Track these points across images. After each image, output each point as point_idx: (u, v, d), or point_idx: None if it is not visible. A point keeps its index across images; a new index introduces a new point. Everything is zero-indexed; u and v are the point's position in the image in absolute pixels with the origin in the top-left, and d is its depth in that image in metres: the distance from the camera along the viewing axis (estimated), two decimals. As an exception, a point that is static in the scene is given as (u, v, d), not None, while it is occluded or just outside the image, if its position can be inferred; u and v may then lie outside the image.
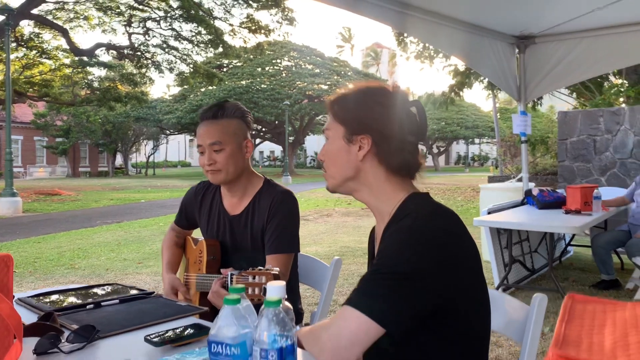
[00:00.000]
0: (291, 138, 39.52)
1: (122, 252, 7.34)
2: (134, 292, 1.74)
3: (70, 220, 11.81)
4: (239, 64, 41.19)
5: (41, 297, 1.66)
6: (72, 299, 1.66)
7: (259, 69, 40.45)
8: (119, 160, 47.57)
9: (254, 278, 1.40)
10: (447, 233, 1.13)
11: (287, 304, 0.91)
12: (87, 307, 1.54)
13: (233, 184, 1.93)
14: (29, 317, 1.43)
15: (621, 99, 14.99)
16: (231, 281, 1.51)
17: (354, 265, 5.97)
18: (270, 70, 40.90)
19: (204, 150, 1.86)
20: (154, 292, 1.71)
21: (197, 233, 2.22)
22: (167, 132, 43.88)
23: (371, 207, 1.28)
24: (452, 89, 16.89)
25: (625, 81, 14.03)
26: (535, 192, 4.91)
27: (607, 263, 4.53)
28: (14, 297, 1.35)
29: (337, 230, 9.11)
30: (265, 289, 1.34)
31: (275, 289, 0.88)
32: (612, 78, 15.46)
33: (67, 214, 13.39)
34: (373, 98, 1.23)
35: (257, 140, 42.38)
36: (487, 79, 15.38)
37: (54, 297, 1.68)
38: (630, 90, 13.71)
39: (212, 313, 1.56)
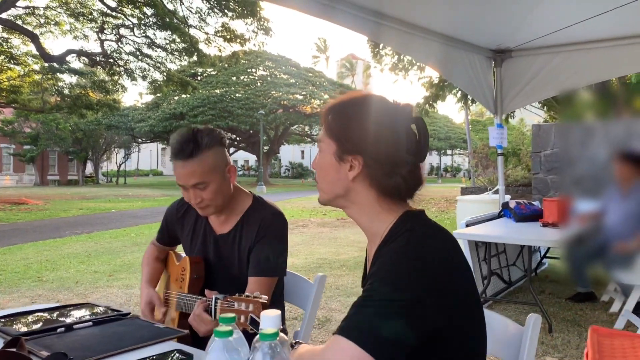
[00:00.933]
0: (266, 147, 39.37)
1: (92, 264, 7.13)
2: (108, 312, 1.64)
3: (38, 230, 11.46)
4: (213, 73, 40.96)
5: (7, 319, 1.55)
6: (41, 322, 1.55)
7: (234, 78, 40.28)
8: (89, 168, 46.64)
9: (240, 305, 1.32)
10: (442, 256, 1.07)
11: (284, 335, 0.84)
12: (58, 330, 1.44)
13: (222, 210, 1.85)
14: (-7, 342, 1.33)
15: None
16: (215, 306, 1.42)
17: (332, 277, 5.90)
18: (245, 80, 40.76)
19: (186, 188, 1.74)
20: (129, 313, 1.61)
21: (180, 248, 2.13)
22: (139, 140, 43.25)
23: (362, 226, 1.22)
24: (426, 101, 17.04)
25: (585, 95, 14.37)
26: (512, 204, 4.93)
27: (583, 276, 4.55)
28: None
29: (313, 241, 9.04)
30: (252, 318, 1.27)
31: (272, 320, 0.81)
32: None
33: (34, 223, 13.01)
34: (371, 115, 1.15)
35: (232, 150, 42.06)
36: (460, 91, 15.59)
37: (21, 319, 1.57)
38: (597, 102, 14.04)
39: (192, 336, 1.48)
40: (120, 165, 45.84)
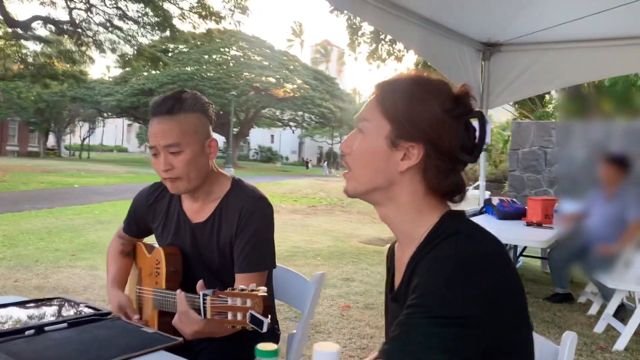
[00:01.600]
0: (235, 130, 38.80)
1: (53, 242, 6.78)
2: (84, 309, 1.43)
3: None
4: (185, 50, 40.09)
5: (-35, 316, 1.32)
6: (5, 320, 1.33)
7: (206, 57, 39.49)
8: (51, 141, 45.20)
9: (234, 300, 1.13)
10: (494, 266, 0.92)
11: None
12: (26, 332, 1.22)
13: (196, 190, 1.61)
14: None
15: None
16: (204, 303, 1.23)
17: (307, 267, 5.74)
18: (217, 59, 40.02)
19: (157, 152, 1.52)
20: (110, 313, 1.41)
21: (151, 239, 1.91)
22: (105, 115, 42.09)
23: (395, 227, 1.05)
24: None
25: (557, 94, 14.58)
26: (495, 201, 4.85)
27: (562, 277, 4.53)
28: None
29: (285, 228, 8.86)
30: (252, 315, 1.09)
31: (330, 357, 0.62)
32: (552, 91, 16.05)
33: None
34: (437, 99, 0.97)
35: (200, 130, 41.32)
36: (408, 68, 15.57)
37: (-18, 317, 1.34)
38: (569, 103, 14.26)
39: (185, 344, 1.29)
40: (84, 139, 44.56)
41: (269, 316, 1.10)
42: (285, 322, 3.62)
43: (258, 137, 62.72)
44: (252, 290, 1.13)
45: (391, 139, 0.98)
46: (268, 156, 60.18)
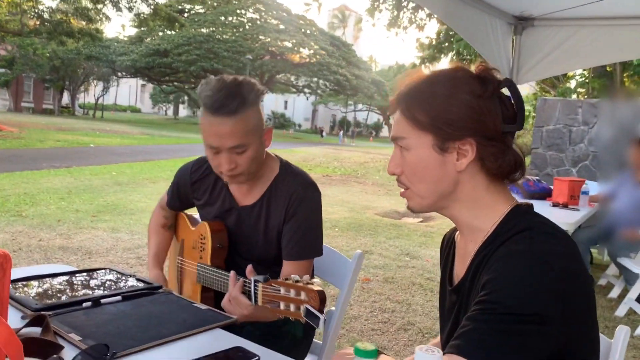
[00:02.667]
0: (250, 94, 38.56)
1: (73, 202, 6.84)
2: (134, 282, 1.43)
3: (13, 160, 11.02)
4: (201, 11, 39.69)
5: (17, 285, 1.33)
6: (61, 291, 1.33)
7: (222, 18, 39.04)
8: (65, 98, 45.30)
9: (288, 291, 1.12)
10: (568, 264, 0.90)
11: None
12: (84, 305, 1.23)
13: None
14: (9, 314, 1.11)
15: (584, 90, 15.28)
16: (256, 290, 1.22)
17: (325, 238, 5.68)
18: (233, 21, 39.56)
19: (219, 151, 1.44)
20: (161, 286, 1.41)
21: (193, 210, 1.89)
22: (120, 74, 41.97)
23: (460, 222, 1.04)
24: (422, 62, 16.72)
25: (586, 73, 14.28)
26: (520, 180, 4.79)
27: (585, 259, 4.50)
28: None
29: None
30: (307, 310, 1.07)
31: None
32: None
33: (9, 152, 12.52)
34: (462, 89, 0.94)
35: (214, 93, 41.17)
36: (457, 56, 15.30)
37: (35, 286, 1.35)
38: (594, 82, 13.98)
39: (242, 323, 1.29)
40: (98, 98, 44.57)
41: (324, 311, 1.09)
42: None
43: (271, 102, 62.47)
44: (307, 283, 1.11)
45: (439, 146, 0.96)
46: (281, 122, 59.97)
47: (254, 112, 1.45)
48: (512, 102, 0.98)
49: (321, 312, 1.05)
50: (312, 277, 1.70)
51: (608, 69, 13.37)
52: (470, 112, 0.94)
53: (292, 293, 1.11)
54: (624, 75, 12.95)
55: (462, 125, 0.94)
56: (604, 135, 6.77)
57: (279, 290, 1.13)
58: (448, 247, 1.17)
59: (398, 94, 1.01)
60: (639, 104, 7.09)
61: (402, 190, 1.04)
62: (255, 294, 1.22)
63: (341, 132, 46.43)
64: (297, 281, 1.12)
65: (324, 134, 47.69)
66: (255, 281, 1.22)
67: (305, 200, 1.56)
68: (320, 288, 1.09)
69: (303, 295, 1.09)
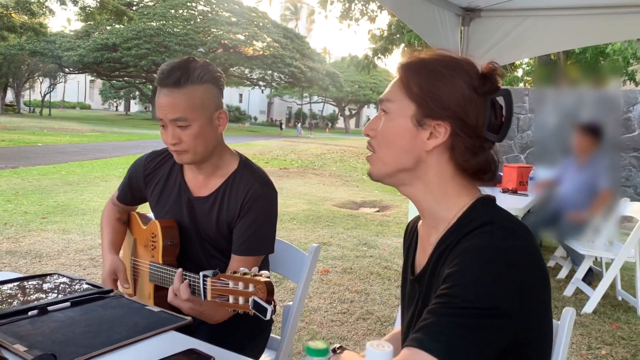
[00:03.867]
0: (203, 88, 37.95)
1: (21, 204, 6.59)
2: (84, 286, 1.39)
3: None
4: (150, 4, 38.73)
5: (-40, 295, 1.28)
6: (4, 299, 1.28)
7: (172, 11, 38.23)
8: (9, 96, 43.44)
9: (236, 284, 1.12)
10: (528, 259, 0.92)
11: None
12: (30, 313, 1.18)
13: (202, 162, 1.58)
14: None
15: (530, 78, 15.75)
16: (205, 285, 1.21)
17: (283, 231, 5.75)
18: (184, 14, 38.79)
19: (165, 124, 1.48)
20: (112, 290, 1.37)
21: (144, 207, 1.86)
22: (67, 70, 40.54)
23: (422, 207, 1.05)
24: (375, 54, 16.83)
25: (532, 61, 14.72)
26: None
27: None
28: None
29: (258, 190, 8.81)
30: (255, 301, 1.07)
31: (380, 356, 0.62)
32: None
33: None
34: (461, 77, 0.96)
35: (167, 87, 40.36)
36: (407, 47, 15.46)
37: (-22, 296, 1.30)
38: (540, 70, 14.43)
39: (195, 324, 1.27)
40: (44, 95, 42.97)
41: (272, 302, 1.09)
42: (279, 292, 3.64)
43: (226, 96, 61.48)
44: (255, 275, 1.11)
45: (417, 118, 0.97)
46: (236, 116, 59.33)
47: (201, 90, 1.47)
48: (503, 113, 0.99)
49: (269, 302, 1.06)
50: (264, 266, 1.70)
51: (552, 57, 13.83)
52: (459, 98, 0.95)
53: (241, 286, 1.11)
54: (567, 63, 13.41)
55: (445, 106, 0.95)
56: (548, 122, 7.01)
57: (228, 284, 1.13)
58: (410, 235, 1.18)
59: (405, 60, 1.02)
60: (581, 91, 7.37)
61: (369, 154, 1.05)
62: (205, 289, 1.21)
63: (299, 125, 46.37)
64: (245, 274, 1.12)
65: (283, 126, 47.56)
66: (204, 276, 1.20)
67: (261, 198, 1.56)
68: (267, 279, 1.09)
69: (251, 288, 1.09)
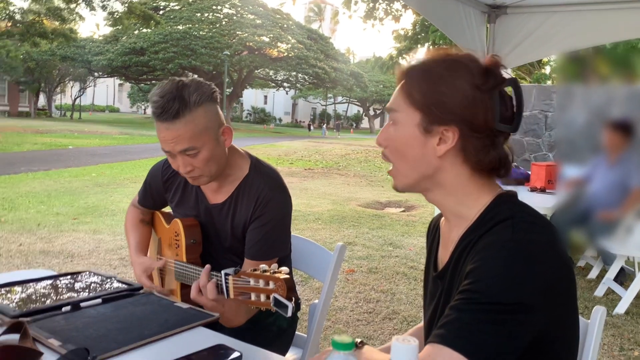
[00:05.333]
0: (228, 90, 38.34)
1: (53, 205, 6.76)
2: (115, 284, 1.43)
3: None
4: (176, 7, 39.25)
5: (1, 292, 1.32)
6: (39, 297, 1.33)
7: (198, 15, 38.65)
8: (41, 100, 44.57)
9: (257, 282, 1.13)
10: (551, 253, 0.91)
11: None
12: (63, 309, 1.22)
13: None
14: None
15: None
16: (226, 283, 1.22)
17: (308, 231, 5.78)
18: (210, 17, 39.19)
19: (173, 155, 1.46)
20: (141, 287, 1.41)
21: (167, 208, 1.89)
22: (96, 74, 41.36)
23: (445, 209, 1.05)
24: (399, 53, 16.78)
25: (557, 58, 14.45)
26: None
27: (564, 241, 4.58)
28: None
29: (284, 191, 8.86)
30: (275, 298, 1.08)
31: (407, 352, 0.62)
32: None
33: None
34: (463, 77, 0.94)
35: (193, 90, 40.81)
36: (433, 45, 15.36)
37: (16, 292, 1.34)
38: (568, 66, 14.16)
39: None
40: (75, 99, 43.93)
41: (293, 299, 1.10)
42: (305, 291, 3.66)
43: (251, 98, 62.18)
44: (275, 272, 1.12)
45: (423, 126, 0.97)
46: (261, 117, 59.72)
47: (201, 114, 1.43)
48: (513, 102, 0.98)
49: (289, 299, 1.07)
50: (286, 264, 1.71)
51: (582, 54, 13.55)
52: (462, 100, 0.94)
53: (261, 283, 1.12)
54: (597, 59, 13.14)
55: (450, 111, 0.94)
56: (577, 119, 6.87)
57: (249, 282, 1.14)
58: (433, 232, 1.18)
59: (405, 66, 1.01)
60: (612, 88, 7.21)
61: (390, 169, 1.05)
62: (227, 287, 1.22)
63: (324, 126, 46.44)
64: (264, 271, 1.13)
65: (312, 127, 47.80)
66: (226, 274, 1.22)
67: (272, 202, 1.56)
68: (287, 276, 1.10)
69: (271, 285, 1.10)
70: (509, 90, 1.01)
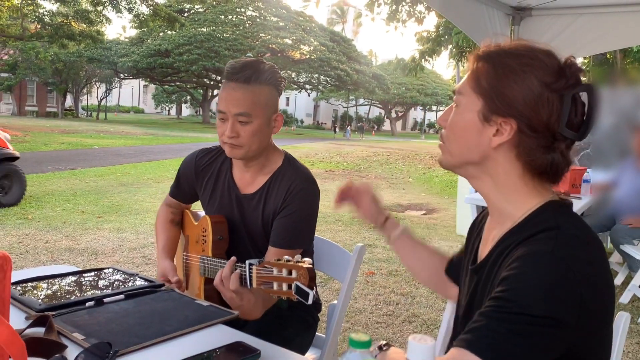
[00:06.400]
0: (251, 91, 38.50)
1: (79, 203, 6.89)
2: (138, 281, 1.45)
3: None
4: (200, 10, 39.64)
5: (24, 286, 1.35)
6: (63, 292, 1.36)
7: (222, 17, 39.01)
8: (68, 101, 45.45)
9: (280, 271, 1.14)
10: (591, 270, 0.87)
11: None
12: (87, 304, 1.25)
13: (250, 160, 1.63)
14: (13, 315, 1.13)
15: (585, 78, 15.16)
16: (250, 273, 1.24)
17: (329, 232, 5.78)
18: (233, 19, 39.53)
19: (226, 117, 1.52)
20: (163, 284, 1.43)
21: (197, 206, 1.92)
22: (122, 75, 42.03)
23: (490, 202, 1.03)
24: (422, 56, 16.65)
25: (586, 61, 14.20)
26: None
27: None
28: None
29: (305, 192, 8.88)
30: (298, 286, 1.09)
31: (424, 351, 0.62)
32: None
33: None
34: (534, 72, 0.92)
35: (216, 92, 41.19)
36: (455, 48, 15.23)
37: (42, 287, 1.37)
38: (595, 69, 13.91)
39: (240, 318, 1.31)
40: (101, 100, 44.68)
41: (314, 288, 1.11)
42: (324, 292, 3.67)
43: (273, 99, 62.33)
44: (298, 262, 1.13)
45: (483, 114, 0.96)
46: (284, 120, 59.93)
47: (266, 90, 1.53)
48: (584, 110, 0.94)
49: (311, 288, 1.07)
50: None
51: (608, 56, 13.30)
52: (528, 96, 0.92)
53: (285, 272, 1.13)
54: (625, 62, 12.89)
55: (512, 104, 0.93)
56: (605, 122, 6.75)
57: (272, 271, 1.15)
58: (478, 228, 1.16)
59: (481, 50, 1.00)
60: (641, 90, 7.05)
61: (440, 143, 1.05)
62: (250, 276, 1.23)
63: (348, 128, 46.47)
64: (288, 261, 1.14)
65: (337, 129, 47.87)
66: (250, 264, 1.23)
67: (302, 192, 1.59)
68: (309, 265, 1.11)
69: (294, 274, 1.11)
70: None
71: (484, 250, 1.06)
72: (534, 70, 0.92)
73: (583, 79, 0.95)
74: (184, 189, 1.82)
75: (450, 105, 1.04)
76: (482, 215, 1.18)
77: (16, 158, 6.74)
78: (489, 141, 0.96)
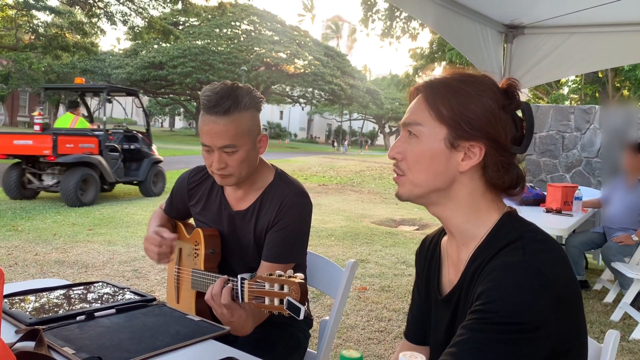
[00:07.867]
0: (245, 105, 38.57)
1: (69, 216, 6.84)
2: (129, 295, 1.44)
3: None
4: (196, 23, 39.78)
5: (14, 300, 1.34)
6: (54, 305, 1.34)
7: (217, 30, 39.19)
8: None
9: (272, 286, 1.14)
10: (560, 272, 0.92)
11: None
12: (77, 318, 1.24)
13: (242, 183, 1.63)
14: (2, 329, 1.12)
15: (576, 96, 15.37)
16: (242, 287, 1.23)
17: (321, 247, 5.77)
18: (228, 33, 39.70)
19: (211, 150, 1.51)
20: (155, 299, 1.42)
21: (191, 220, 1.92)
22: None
23: (451, 225, 1.04)
24: (415, 72, 16.83)
25: (578, 79, 14.38)
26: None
27: (578, 264, 4.52)
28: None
29: (297, 206, 8.87)
30: (289, 301, 1.09)
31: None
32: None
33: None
34: (489, 96, 0.97)
35: (210, 104, 41.19)
36: (449, 65, 15.40)
37: (30, 301, 1.36)
38: (587, 88, 14.09)
39: (231, 333, 1.30)
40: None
41: (306, 303, 1.11)
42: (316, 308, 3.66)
43: (267, 113, 62.53)
44: (290, 277, 1.13)
45: (449, 141, 0.97)
46: (277, 133, 60.03)
47: (247, 116, 1.51)
48: (523, 125, 1.00)
49: (302, 303, 1.07)
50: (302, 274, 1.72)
51: (600, 75, 13.48)
52: (490, 117, 0.96)
53: (276, 287, 1.13)
54: (616, 81, 13.06)
55: (478, 127, 0.96)
56: (597, 141, 6.82)
57: (264, 286, 1.15)
58: (431, 252, 1.17)
59: (425, 82, 1.03)
60: (631, 109, 7.14)
61: (396, 175, 1.05)
62: (242, 291, 1.23)
63: (346, 142, 46.56)
64: (280, 276, 1.14)
65: (335, 144, 47.89)
66: (242, 279, 1.23)
67: (295, 207, 1.60)
68: (301, 281, 1.11)
69: (285, 288, 1.11)
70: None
71: (452, 276, 1.06)
72: (487, 93, 0.97)
73: (520, 96, 1.00)
74: (177, 206, 1.84)
75: (403, 136, 1.04)
76: (431, 239, 1.19)
77: None
78: (458, 166, 0.98)
